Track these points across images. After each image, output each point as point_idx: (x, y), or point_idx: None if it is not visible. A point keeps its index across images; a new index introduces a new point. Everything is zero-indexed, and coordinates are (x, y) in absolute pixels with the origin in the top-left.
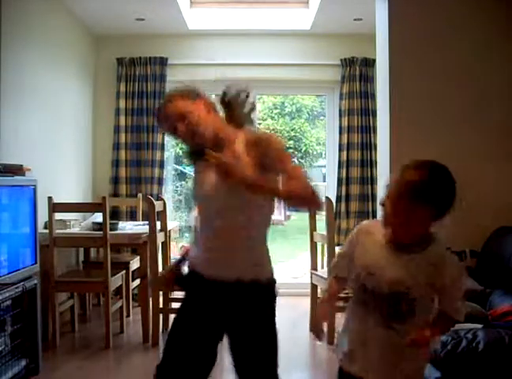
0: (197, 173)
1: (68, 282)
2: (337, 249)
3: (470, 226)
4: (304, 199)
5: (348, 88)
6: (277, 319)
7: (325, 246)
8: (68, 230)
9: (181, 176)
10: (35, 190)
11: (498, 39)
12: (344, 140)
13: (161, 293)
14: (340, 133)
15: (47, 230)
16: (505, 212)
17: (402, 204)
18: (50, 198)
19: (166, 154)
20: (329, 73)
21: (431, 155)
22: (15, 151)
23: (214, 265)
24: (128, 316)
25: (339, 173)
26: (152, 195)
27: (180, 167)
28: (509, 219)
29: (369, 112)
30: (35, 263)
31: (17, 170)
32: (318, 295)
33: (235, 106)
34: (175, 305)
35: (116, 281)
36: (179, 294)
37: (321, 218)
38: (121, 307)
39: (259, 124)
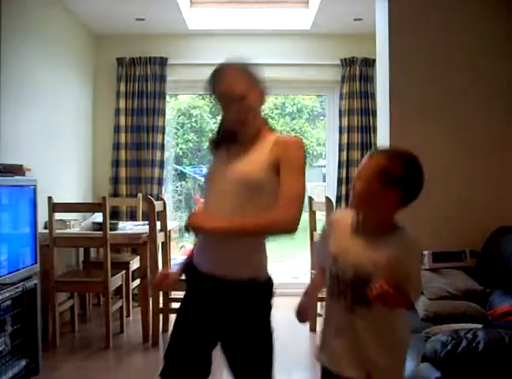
0: (214, 163)
1: (68, 282)
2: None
3: (470, 226)
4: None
5: (348, 88)
6: (277, 319)
7: None
8: (68, 230)
9: (181, 176)
10: (35, 190)
11: (502, 35)
12: (344, 140)
13: (161, 293)
14: (340, 133)
15: (47, 230)
16: (505, 212)
17: (373, 187)
18: (50, 198)
19: (166, 154)
20: (329, 73)
21: (431, 155)
22: (15, 151)
23: (214, 262)
24: (128, 316)
25: (339, 173)
26: (152, 195)
27: (180, 167)
28: (509, 219)
29: (369, 112)
30: (35, 263)
31: (17, 170)
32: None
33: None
34: (175, 305)
35: (116, 281)
36: (179, 294)
37: (322, 218)
38: (121, 307)
39: None
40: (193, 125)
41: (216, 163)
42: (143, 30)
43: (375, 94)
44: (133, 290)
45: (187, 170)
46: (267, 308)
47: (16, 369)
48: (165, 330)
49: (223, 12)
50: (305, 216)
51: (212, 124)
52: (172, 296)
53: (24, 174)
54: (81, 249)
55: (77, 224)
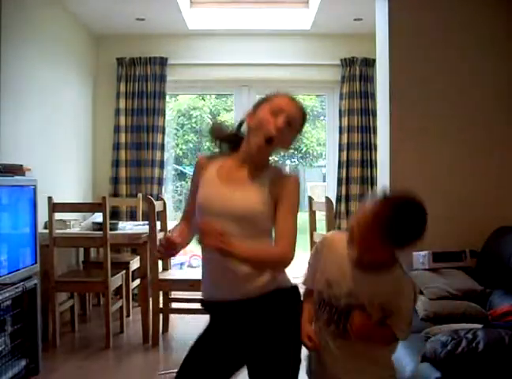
0: (212, 180)
1: (68, 282)
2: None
3: (470, 226)
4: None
5: (348, 88)
6: None
7: None
8: (68, 230)
9: (181, 176)
10: (35, 190)
11: (502, 35)
12: (344, 140)
13: (161, 293)
14: (340, 133)
15: (47, 230)
16: (505, 212)
17: (369, 235)
18: (50, 198)
19: (166, 154)
20: (329, 73)
21: (431, 155)
22: (15, 151)
23: (230, 287)
24: (128, 316)
25: (339, 173)
26: (152, 195)
27: (180, 167)
28: (509, 219)
29: (369, 112)
30: (35, 263)
31: (17, 170)
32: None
33: None
34: (175, 305)
35: (116, 281)
36: (179, 294)
37: (322, 218)
38: (121, 307)
39: None
40: (193, 126)
41: (214, 180)
42: (143, 30)
43: (375, 94)
44: (133, 290)
45: (187, 170)
46: (295, 316)
47: (16, 369)
48: (165, 330)
49: (223, 12)
50: (305, 216)
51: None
52: (172, 296)
53: (24, 174)
54: (81, 249)
55: (77, 224)
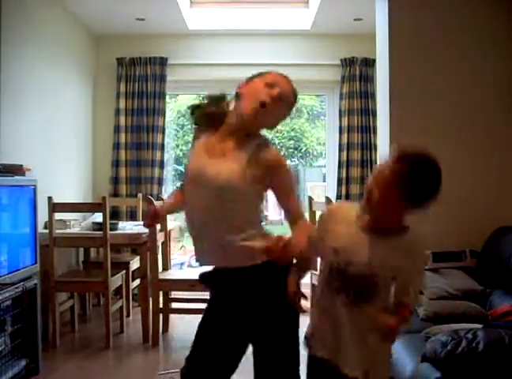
0: (199, 151)
1: (68, 282)
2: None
3: (470, 226)
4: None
5: (348, 88)
6: None
7: None
8: (68, 230)
9: (181, 176)
10: (35, 190)
11: (502, 35)
12: (344, 140)
13: (161, 293)
14: (340, 133)
15: (47, 230)
16: (505, 212)
17: (390, 193)
18: (50, 198)
19: (166, 155)
20: (329, 73)
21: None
22: (15, 151)
23: (219, 256)
24: (128, 316)
25: (339, 173)
26: (152, 195)
27: (180, 168)
28: (509, 219)
29: (369, 112)
30: (35, 263)
31: (17, 170)
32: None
33: None
34: (175, 305)
35: (116, 281)
36: (179, 294)
37: None
38: (121, 307)
39: None
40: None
41: (200, 151)
42: (143, 30)
43: (375, 94)
44: (133, 290)
45: None
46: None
47: (16, 369)
48: (165, 330)
49: (223, 12)
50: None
51: None
52: (172, 296)
53: (24, 174)
54: (81, 249)
55: (77, 224)
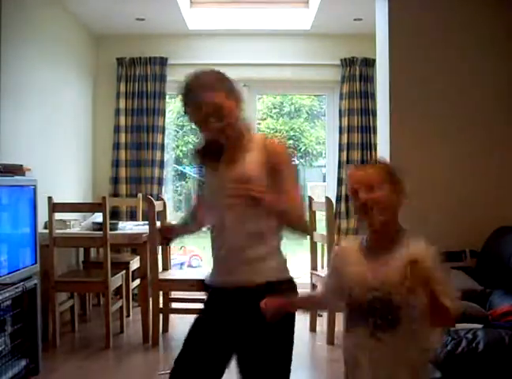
0: (209, 176)
1: (68, 282)
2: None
3: (470, 226)
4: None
5: (348, 88)
6: None
7: (325, 246)
8: (68, 230)
9: (181, 176)
10: (35, 190)
11: (502, 35)
12: (344, 140)
13: (161, 293)
14: (340, 133)
15: (47, 230)
16: (505, 212)
17: (387, 192)
18: (50, 198)
19: (166, 155)
20: (329, 73)
21: (431, 155)
22: (15, 151)
23: (229, 271)
24: (128, 316)
25: (339, 173)
26: (152, 195)
27: (180, 168)
28: (509, 219)
29: (369, 112)
30: (35, 263)
31: (17, 170)
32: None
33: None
34: (175, 305)
35: (116, 281)
36: (179, 294)
37: (322, 218)
38: (121, 307)
39: (259, 124)
40: (193, 126)
41: (210, 174)
42: (143, 30)
43: (375, 94)
44: (133, 290)
45: (187, 170)
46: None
47: (16, 369)
48: (165, 330)
49: (223, 12)
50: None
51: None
52: (172, 296)
53: (24, 174)
54: (81, 249)
55: (77, 224)
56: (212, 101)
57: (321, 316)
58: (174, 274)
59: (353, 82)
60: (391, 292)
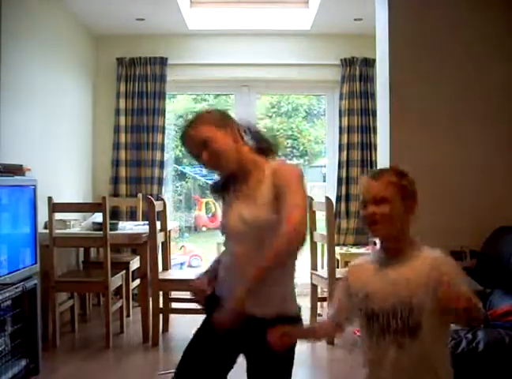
0: (225, 208)
1: (68, 282)
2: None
3: (470, 226)
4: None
5: (348, 88)
6: None
7: (325, 246)
8: (68, 230)
9: (181, 176)
10: (35, 190)
11: (504, 34)
12: (344, 140)
13: (161, 293)
14: (340, 133)
15: (47, 230)
16: (505, 212)
17: (397, 205)
18: (50, 198)
19: (166, 155)
20: (329, 73)
21: (431, 155)
22: (15, 151)
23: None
24: (128, 316)
25: (339, 173)
26: (152, 195)
27: (180, 168)
28: (509, 219)
29: (369, 112)
30: (35, 263)
31: (17, 170)
32: (318, 295)
33: (261, 137)
34: (175, 305)
35: (116, 281)
36: (179, 294)
37: (322, 218)
38: (121, 307)
39: (257, 124)
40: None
41: (226, 207)
42: (143, 30)
43: (375, 94)
44: (133, 290)
45: (187, 170)
46: (290, 350)
47: (16, 369)
48: (165, 330)
49: (223, 12)
50: None
51: None
52: (172, 296)
53: (24, 174)
54: (81, 249)
55: (77, 224)
56: (195, 136)
57: (321, 315)
58: (174, 274)
59: (353, 82)
60: (412, 296)
